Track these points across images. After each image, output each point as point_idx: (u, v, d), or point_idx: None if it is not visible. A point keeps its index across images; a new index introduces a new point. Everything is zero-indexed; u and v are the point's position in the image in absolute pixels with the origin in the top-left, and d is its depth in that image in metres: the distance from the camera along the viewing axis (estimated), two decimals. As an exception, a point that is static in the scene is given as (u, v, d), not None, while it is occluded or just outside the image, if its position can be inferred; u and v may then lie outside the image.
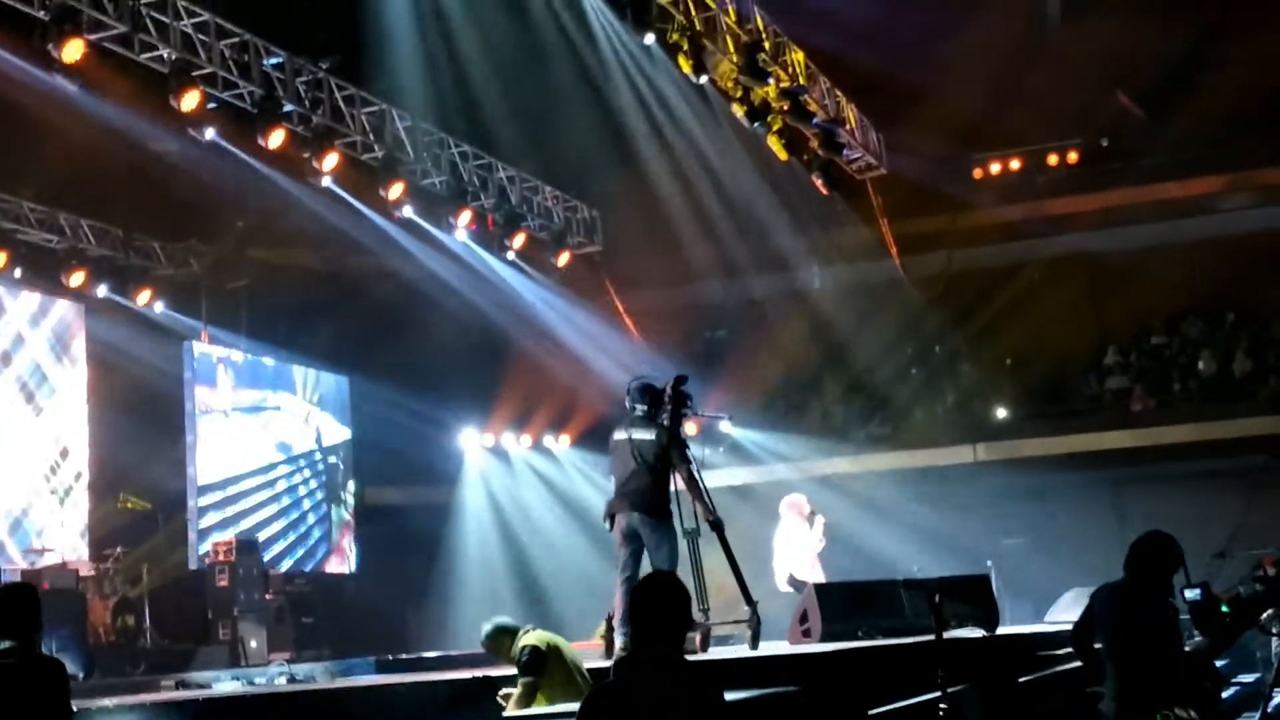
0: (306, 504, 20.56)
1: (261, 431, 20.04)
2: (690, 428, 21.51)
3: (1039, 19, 21.92)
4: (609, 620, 10.06)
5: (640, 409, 10.18)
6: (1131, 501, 20.29)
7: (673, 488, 10.15)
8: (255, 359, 20.20)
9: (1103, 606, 7.59)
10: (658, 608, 4.87)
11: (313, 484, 20.83)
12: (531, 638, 8.09)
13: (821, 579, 13.26)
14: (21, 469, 17.21)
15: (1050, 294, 22.05)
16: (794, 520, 13.58)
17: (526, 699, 7.88)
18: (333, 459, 21.23)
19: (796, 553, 13.43)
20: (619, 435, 10.22)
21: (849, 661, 9.01)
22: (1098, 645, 7.59)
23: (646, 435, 10.05)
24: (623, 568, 9.97)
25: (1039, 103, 21.52)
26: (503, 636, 8.21)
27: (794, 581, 13.28)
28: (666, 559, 9.81)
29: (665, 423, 10.13)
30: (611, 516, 10.11)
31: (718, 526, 10.24)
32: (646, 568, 9.85)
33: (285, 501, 20.08)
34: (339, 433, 21.36)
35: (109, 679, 13.68)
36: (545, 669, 7.91)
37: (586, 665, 8.39)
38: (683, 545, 10.21)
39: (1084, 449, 20.06)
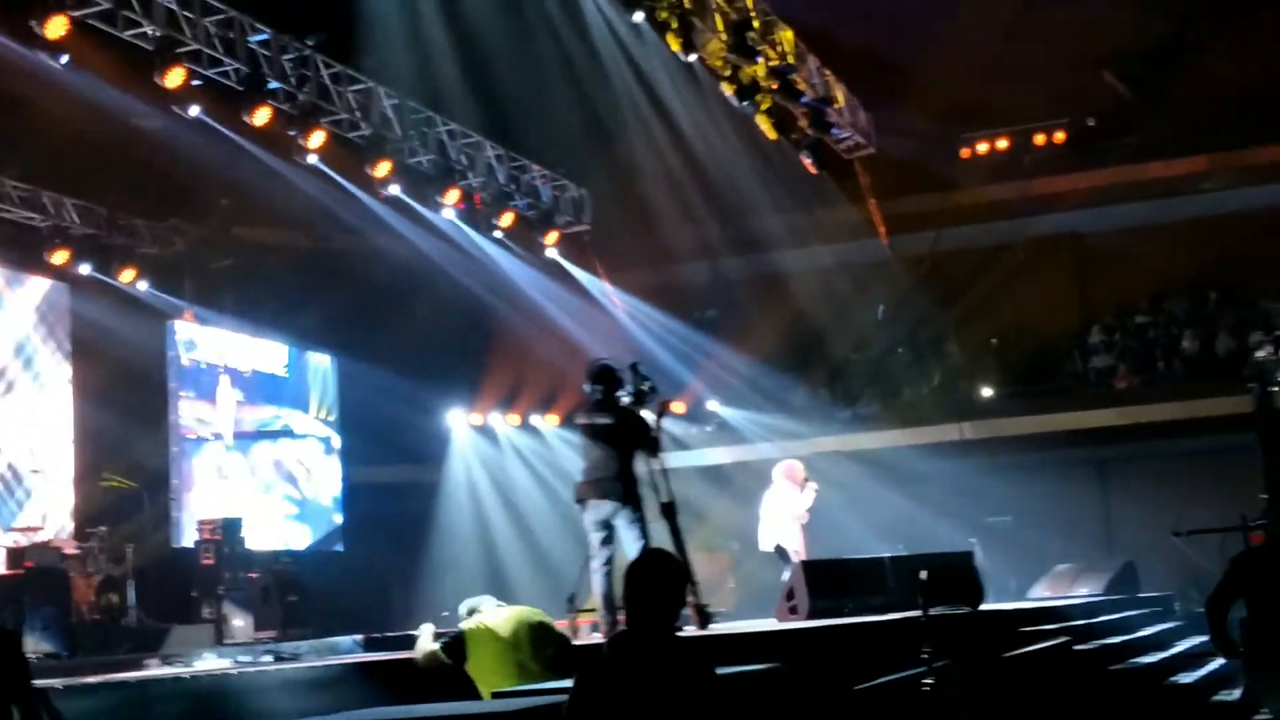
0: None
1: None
2: (678, 407, 21.84)
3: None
4: (571, 600, 10.14)
5: (598, 391, 10.19)
6: (1116, 479, 20.41)
7: (640, 468, 10.17)
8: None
9: (1251, 573, 7.24)
10: (655, 585, 4.89)
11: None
12: (472, 622, 7.94)
13: (801, 547, 13.38)
14: (3, 447, 17.16)
15: (1036, 273, 22.11)
16: (786, 486, 13.66)
17: (428, 665, 7.92)
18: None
19: (783, 519, 13.54)
20: (580, 419, 10.31)
21: (835, 638, 9.04)
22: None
23: (601, 419, 10.10)
24: (596, 554, 10.02)
25: (1027, 82, 21.51)
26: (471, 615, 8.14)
27: (780, 550, 13.37)
28: (637, 542, 9.87)
29: (624, 405, 10.15)
30: (582, 501, 10.15)
31: (669, 510, 10.31)
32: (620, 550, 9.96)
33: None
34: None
35: (92, 657, 13.66)
36: (463, 657, 7.85)
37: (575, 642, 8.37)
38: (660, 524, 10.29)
39: (1069, 427, 20.13)
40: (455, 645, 7.90)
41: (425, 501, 21.73)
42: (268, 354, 19.97)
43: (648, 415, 10.21)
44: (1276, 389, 13.82)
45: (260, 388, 19.69)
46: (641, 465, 10.16)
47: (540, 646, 7.85)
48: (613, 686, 4.74)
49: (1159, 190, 21.93)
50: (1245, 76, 20.41)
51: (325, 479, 20.48)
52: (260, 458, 19.45)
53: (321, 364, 20.86)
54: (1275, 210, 21.07)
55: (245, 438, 19.19)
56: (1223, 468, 17.78)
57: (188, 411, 18.39)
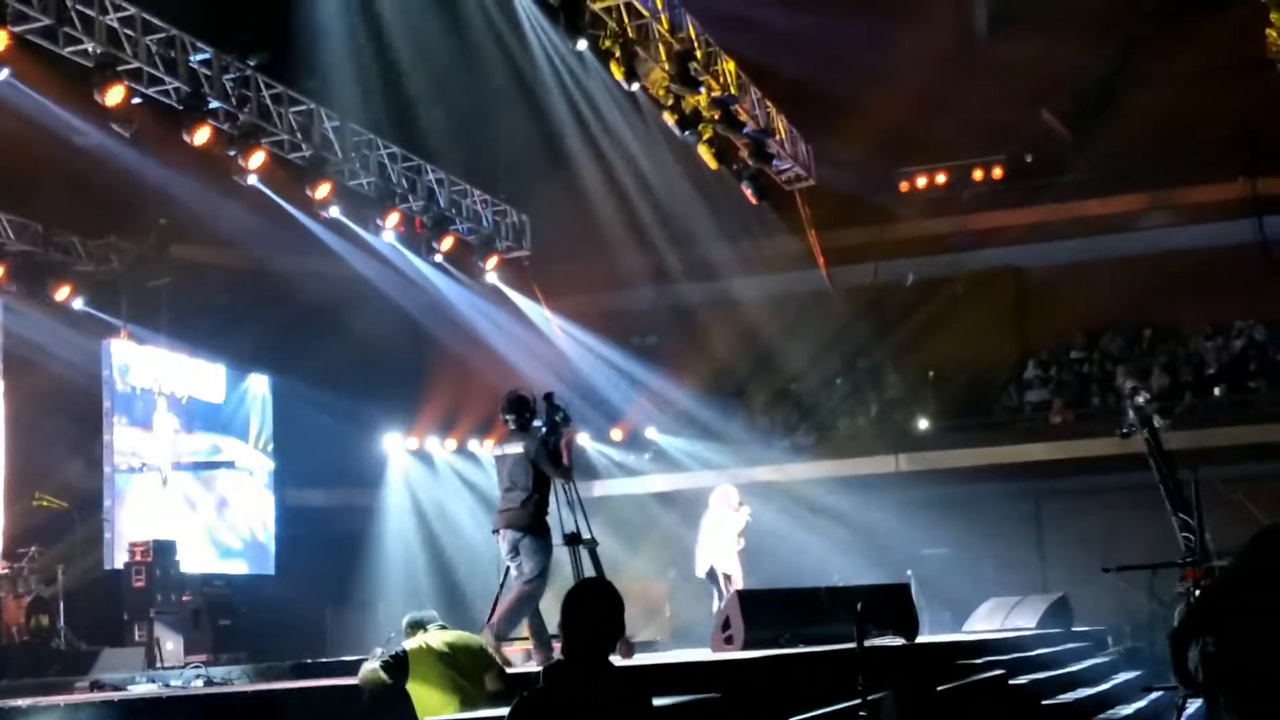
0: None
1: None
2: (616, 434, 21.84)
3: (966, 36, 22.19)
4: (491, 627, 10.15)
5: (511, 421, 10.23)
6: (1051, 513, 20.59)
7: (553, 498, 10.28)
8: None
9: (1221, 605, 7.10)
10: (592, 614, 4.87)
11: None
12: (415, 641, 7.99)
13: (738, 571, 13.52)
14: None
15: (974, 307, 22.32)
16: (721, 511, 13.84)
17: (369, 684, 7.90)
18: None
19: (719, 543, 13.71)
20: (495, 450, 10.45)
21: (771, 668, 9.04)
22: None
23: (513, 449, 10.19)
24: (515, 583, 10.11)
25: (965, 118, 21.78)
26: (414, 630, 8.17)
27: (711, 574, 13.54)
28: (533, 571, 9.94)
29: (542, 434, 10.19)
30: (496, 530, 10.24)
31: (572, 540, 10.39)
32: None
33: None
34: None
35: (21, 680, 13.43)
36: (404, 676, 7.86)
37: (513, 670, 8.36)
38: (564, 555, 10.38)
39: (1004, 460, 20.30)
40: (397, 664, 7.90)
41: (360, 525, 21.56)
42: (205, 378, 19.66)
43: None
44: (1160, 430, 13.98)
45: (198, 415, 19.40)
46: (554, 495, 10.26)
47: (480, 670, 7.90)
48: (548, 716, 4.73)
49: (1096, 227, 22.23)
50: (1181, 116, 20.77)
51: (261, 509, 20.22)
52: (196, 487, 19.17)
53: (260, 389, 20.61)
54: (1209, 249, 21.42)
55: (182, 468, 18.90)
56: (1155, 503, 17.95)
57: (123, 437, 18.07)
